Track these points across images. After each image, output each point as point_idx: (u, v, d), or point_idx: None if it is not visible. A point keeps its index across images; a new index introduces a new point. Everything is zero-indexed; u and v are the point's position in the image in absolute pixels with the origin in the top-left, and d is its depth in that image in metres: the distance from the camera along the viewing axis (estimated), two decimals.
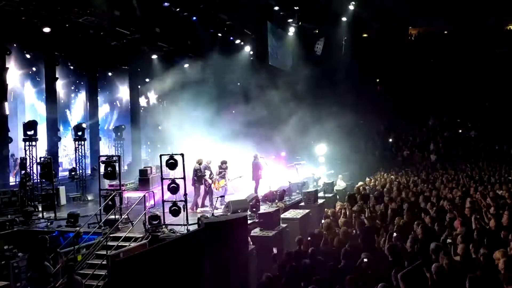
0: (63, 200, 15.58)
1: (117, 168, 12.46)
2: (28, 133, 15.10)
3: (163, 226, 10.94)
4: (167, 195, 11.91)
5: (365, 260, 7.07)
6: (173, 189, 11.59)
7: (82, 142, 17.89)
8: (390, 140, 29.81)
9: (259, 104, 21.44)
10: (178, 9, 17.51)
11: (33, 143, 15.15)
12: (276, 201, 14.13)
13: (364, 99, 31.69)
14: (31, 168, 14.92)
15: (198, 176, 13.71)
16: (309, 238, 9.18)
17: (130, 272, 8.29)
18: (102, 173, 12.78)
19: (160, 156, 11.99)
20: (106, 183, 13.50)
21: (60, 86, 20.02)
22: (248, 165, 15.71)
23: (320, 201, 15.12)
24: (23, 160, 14.83)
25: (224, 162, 14.91)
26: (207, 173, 13.98)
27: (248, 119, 21.10)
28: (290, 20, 26.63)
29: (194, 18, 18.82)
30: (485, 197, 11.82)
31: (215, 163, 14.84)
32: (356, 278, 6.38)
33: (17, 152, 18.01)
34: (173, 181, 11.66)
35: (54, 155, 17.02)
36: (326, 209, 12.79)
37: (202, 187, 13.95)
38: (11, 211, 13.46)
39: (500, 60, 33.03)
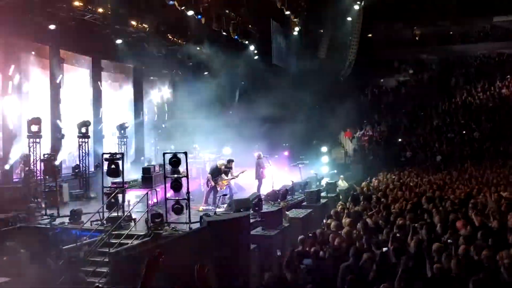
0: (66, 197, 15.62)
1: (120, 166, 12.48)
2: (32, 130, 15.15)
3: (166, 224, 10.95)
4: (170, 193, 11.94)
5: (368, 260, 7.05)
6: (176, 187, 11.61)
7: (86, 140, 17.92)
8: (396, 140, 29.59)
9: (262, 103, 21.41)
10: (183, 7, 17.53)
11: (37, 140, 15.19)
12: (279, 200, 14.12)
13: (367, 100, 31.64)
14: (35, 165, 14.96)
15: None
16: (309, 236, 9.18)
17: (131, 269, 8.31)
18: (105, 170, 12.80)
19: (163, 154, 12.00)
20: (109, 180, 13.52)
21: (64, 82, 20.04)
22: (251, 164, 15.71)
23: (322, 200, 15.11)
24: (27, 157, 14.88)
25: (230, 161, 14.95)
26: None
27: (251, 118, 21.09)
28: (295, 20, 26.55)
29: (199, 16, 18.84)
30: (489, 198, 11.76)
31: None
32: (357, 279, 6.36)
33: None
34: (176, 179, 11.67)
35: (58, 152, 17.06)
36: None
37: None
38: (14, 208, 13.52)
39: (505, 61, 32.92)
